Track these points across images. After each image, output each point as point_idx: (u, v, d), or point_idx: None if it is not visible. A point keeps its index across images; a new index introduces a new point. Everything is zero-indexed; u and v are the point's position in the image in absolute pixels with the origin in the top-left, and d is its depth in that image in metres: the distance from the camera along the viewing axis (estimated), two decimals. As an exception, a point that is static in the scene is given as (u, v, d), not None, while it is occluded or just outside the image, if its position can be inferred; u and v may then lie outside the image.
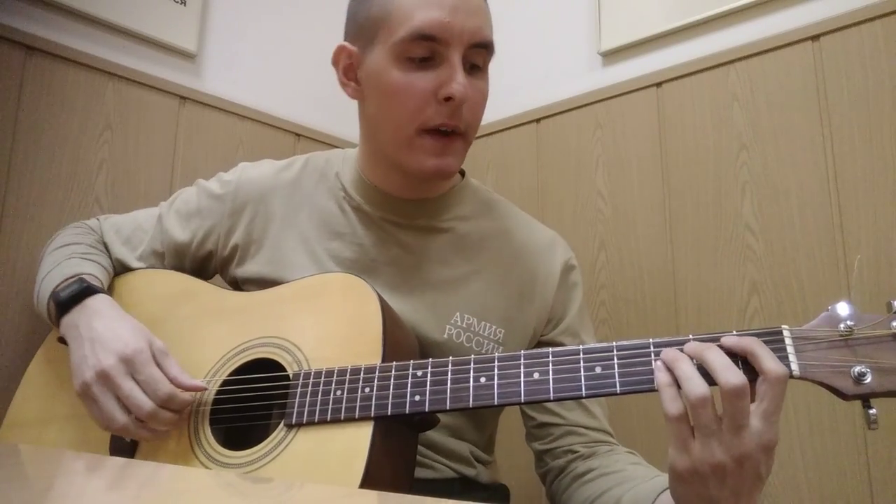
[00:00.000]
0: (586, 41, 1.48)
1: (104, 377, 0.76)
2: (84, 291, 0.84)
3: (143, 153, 1.31)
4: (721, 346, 0.62)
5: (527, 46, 1.58)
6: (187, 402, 0.77)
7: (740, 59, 1.22)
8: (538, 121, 1.51)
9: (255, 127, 1.51)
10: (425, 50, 0.80)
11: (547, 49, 1.55)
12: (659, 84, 1.33)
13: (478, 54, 0.83)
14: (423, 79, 0.80)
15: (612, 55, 1.43)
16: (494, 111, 1.56)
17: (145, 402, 0.75)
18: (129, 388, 0.75)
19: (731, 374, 0.59)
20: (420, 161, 0.83)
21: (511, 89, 1.57)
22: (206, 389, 0.79)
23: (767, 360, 0.60)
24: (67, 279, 0.86)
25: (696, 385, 0.59)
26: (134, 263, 0.98)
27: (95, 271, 0.91)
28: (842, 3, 1.12)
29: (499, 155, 1.57)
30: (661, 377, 0.62)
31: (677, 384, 0.61)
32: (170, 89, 1.36)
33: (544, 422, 0.90)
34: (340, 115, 1.61)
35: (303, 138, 1.60)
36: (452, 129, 0.82)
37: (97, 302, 0.83)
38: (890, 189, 1.04)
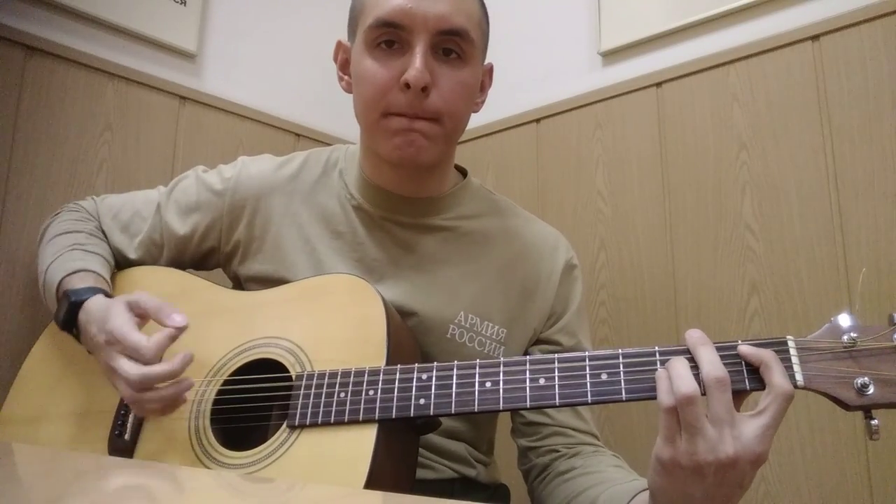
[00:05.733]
0: (586, 41, 1.48)
1: (108, 370, 0.77)
2: (73, 308, 0.82)
3: (143, 153, 1.31)
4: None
5: (527, 46, 1.58)
6: (170, 339, 0.75)
7: (740, 59, 1.22)
8: (538, 121, 1.51)
9: (255, 127, 1.51)
10: (390, 36, 0.81)
11: (547, 49, 1.55)
12: (659, 84, 1.33)
13: (449, 41, 0.82)
14: (389, 65, 0.81)
15: (612, 55, 1.43)
16: (494, 111, 1.56)
17: (130, 372, 0.73)
18: (118, 364, 0.75)
19: (713, 369, 0.61)
20: (387, 142, 0.83)
21: (511, 89, 1.57)
22: (185, 327, 0.77)
23: (778, 375, 0.61)
24: (60, 294, 0.86)
25: (684, 383, 0.60)
26: (131, 253, 0.97)
27: (97, 266, 0.90)
28: (842, 3, 1.12)
29: (499, 155, 1.57)
30: (660, 370, 0.63)
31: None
32: (170, 89, 1.36)
33: (533, 420, 0.90)
34: (340, 115, 1.60)
35: (303, 138, 1.60)
36: (416, 116, 0.81)
37: (84, 315, 0.82)
38: (890, 189, 1.04)
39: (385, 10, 0.80)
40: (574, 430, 0.88)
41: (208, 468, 0.75)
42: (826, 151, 1.11)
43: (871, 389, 0.60)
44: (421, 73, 0.79)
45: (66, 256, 0.90)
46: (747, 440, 0.59)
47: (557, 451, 0.87)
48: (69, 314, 0.82)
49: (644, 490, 0.69)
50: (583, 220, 1.40)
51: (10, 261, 1.12)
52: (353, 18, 0.88)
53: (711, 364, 0.61)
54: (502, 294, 0.91)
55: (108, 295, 0.85)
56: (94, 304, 0.82)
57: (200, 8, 1.44)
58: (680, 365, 0.62)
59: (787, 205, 1.14)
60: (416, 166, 0.86)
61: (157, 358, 0.75)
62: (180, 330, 0.76)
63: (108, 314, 0.78)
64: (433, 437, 0.86)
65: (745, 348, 0.63)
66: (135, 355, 0.75)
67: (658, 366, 0.65)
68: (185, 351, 0.76)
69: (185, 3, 1.41)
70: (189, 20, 1.42)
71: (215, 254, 0.97)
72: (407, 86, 0.79)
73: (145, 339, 0.75)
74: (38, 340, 0.96)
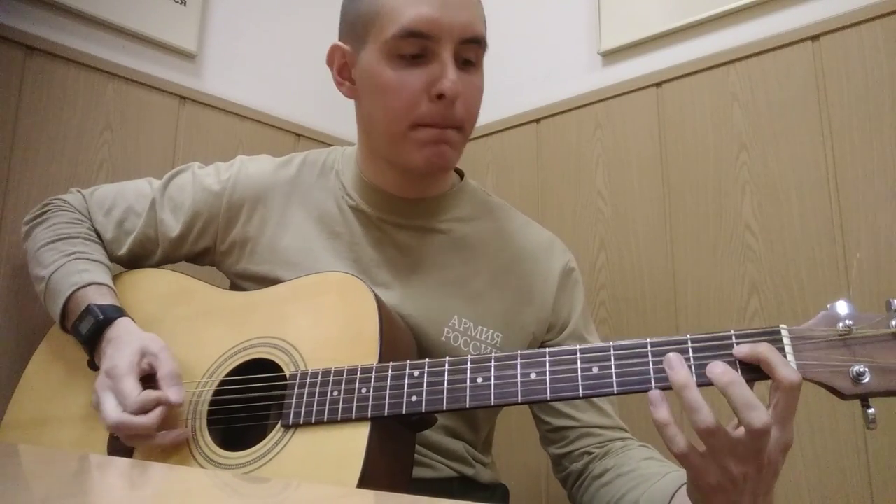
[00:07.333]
0: (586, 41, 1.47)
1: (95, 398, 0.80)
2: (101, 325, 0.84)
3: (143, 153, 1.31)
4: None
5: (527, 46, 1.58)
6: (162, 403, 0.77)
7: (740, 59, 1.22)
8: (538, 121, 1.51)
9: (255, 127, 1.51)
10: (416, 47, 0.80)
11: (547, 49, 1.55)
12: (659, 84, 1.32)
13: (469, 50, 0.82)
14: (415, 76, 0.80)
15: (612, 55, 1.43)
16: (494, 111, 1.56)
17: (109, 414, 0.76)
18: (103, 400, 0.78)
19: (754, 415, 0.57)
20: (415, 153, 0.83)
21: (511, 89, 1.57)
22: (178, 404, 0.78)
23: (781, 368, 0.59)
24: (73, 304, 0.87)
25: (704, 417, 0.59)
26: (123, 248, 0.97)
27: (103, 277, 0.91)
28: (842, 3, 1.12)
29: (499, 155, 1.57)
30: (660, 416, 0.61)
31: (674, 415, 0.61)
32: (170, 89, 1.36)
33: (560, 425, 0.89)
34: (340, 115, 1.60)
35: (303, 138, 1.60)
36: (447, 126, 0.82)
37: (111, 334, 0.84)
38: (890, 189, 1.04)
39: (412, 20, 0.79)
40: (601, 427, 0.88)
41: (204, 468, 0.75)
42: (826, 151, 1.11)
43: (868, 378, 0.60)
44: (456, 84, 0.79)
45: (71, 266, 0.90)
46: (773, 437, 0.58)
47: (590, 454, 0.86)
48: (95, 330, 0.84)
49: (682, 485, 0.69)
50: (583, 220, 1.40)
51: (10, 260, 1.12)
52: (361, 24, 0.84)
53: (756, 411, 0.58)
54: (497, 298, 0.91)
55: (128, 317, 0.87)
56: (124, 328, 0.84)
57: (200, 8, 1.45)
58: (693, 394, 0.60)
59: (787, 205, 1.14)
60: (440, 172, 0.88)
61: (141, 411, 0.76)
62: (171, 405, 0.78)
63: (119, 349, 0.80)
64: (432, 435, 0.86)
65: (739, 351, 0.62)
66: (120, 400, 0.77)
67: (650, 357, 0.64)
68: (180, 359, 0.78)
69: (185, 3, 1.41)
70: (189, 20, 1.42)
71: (210, 253, 0.98)
72: (439, 97, 0.79)
73: (137, 391, 0.77)
74: (40, 344, 0.96)
